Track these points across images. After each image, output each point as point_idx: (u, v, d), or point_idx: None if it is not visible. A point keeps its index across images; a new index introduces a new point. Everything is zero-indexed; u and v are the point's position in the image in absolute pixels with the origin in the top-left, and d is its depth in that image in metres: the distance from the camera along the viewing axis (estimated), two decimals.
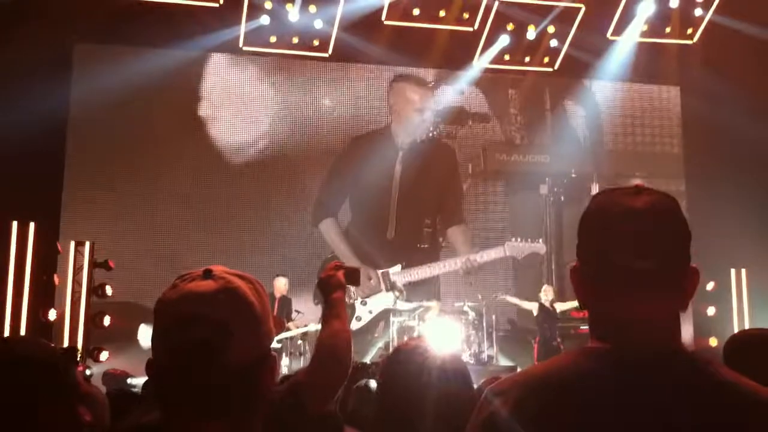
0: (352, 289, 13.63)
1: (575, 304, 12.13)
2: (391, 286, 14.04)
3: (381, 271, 14.12)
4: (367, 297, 14.06)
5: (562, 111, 15.26)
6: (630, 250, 1.49)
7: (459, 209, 15.03)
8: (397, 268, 14.13)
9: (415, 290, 13.87)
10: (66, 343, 10.71)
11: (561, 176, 14.92)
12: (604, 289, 1.53)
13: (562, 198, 14.90)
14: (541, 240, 14.33)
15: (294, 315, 12.12)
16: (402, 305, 13.20)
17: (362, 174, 14.37)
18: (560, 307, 12.42)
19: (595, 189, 15.04)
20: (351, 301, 13.85)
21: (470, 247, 14.60)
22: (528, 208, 14.87)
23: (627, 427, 1.42)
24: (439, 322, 12.12)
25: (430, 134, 14.88)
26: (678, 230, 1.54)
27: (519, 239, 14.04)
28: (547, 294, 12.39)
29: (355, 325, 13.68)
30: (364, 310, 13.97)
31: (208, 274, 1.57)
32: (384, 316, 13.55)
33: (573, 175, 14.96)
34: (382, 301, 13.86)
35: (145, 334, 11.57)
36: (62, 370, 1.91)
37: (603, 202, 1.57)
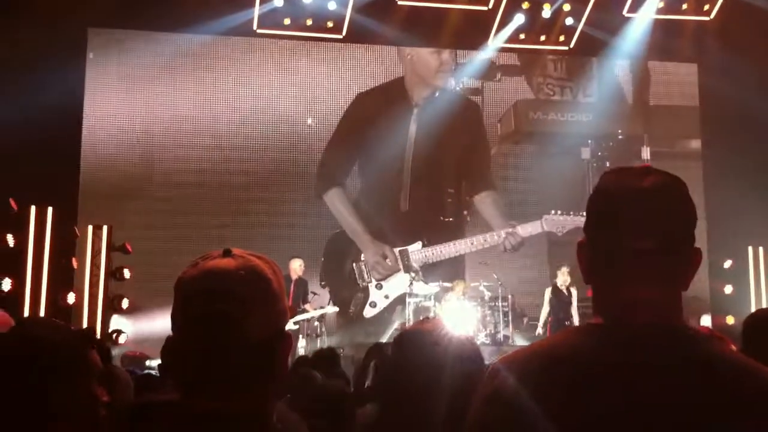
0: (366, 270, 13.01)
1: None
2: (409, 267, 12.71)
3: (399, 249, 12.80)
4: (383, 279, 12.90)
5: (605, 60, 13.59)
6: (633, 229, 1.52)
7: (488, 173, 13.30)
8: (417, 245, 12.72)
9: (437, 271, 12.63)
10: (85, 326, 10.81)
11: (606, 138, 13.47)
12: (606, 267, 1.57)
13: (608, 163, 13.20)
14: (584, 213, 13.04)
15: (310, 297, 12.02)
16: (420, 288, 12.15)
17: (371, 135, 12.86)
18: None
19: (646, 153, 13.71)
20: (365, 284, 12.96)
21: (504, 219, 12.87)
22: (567, 175, 13.10)
23: (618, 402, 1.44)
24: (455, 302, 11.98)
25: (452, 88, 13.29)
26: (682, 211, 1.56)
27: (559, 212, 12.37)
28: (564, 275, 12.12)
29: (369, 312, 12.87)
30: (379, 295, 12.84)
31: (227, 253, 1.61)
32: (403, 300, 12.47)
33: (620, 137, 13.56)
34: (400, 283, 12.65)
35: (163, 317, 11.66)
36: (78, 350, 1.94)
37: (610, 180, 1.60)
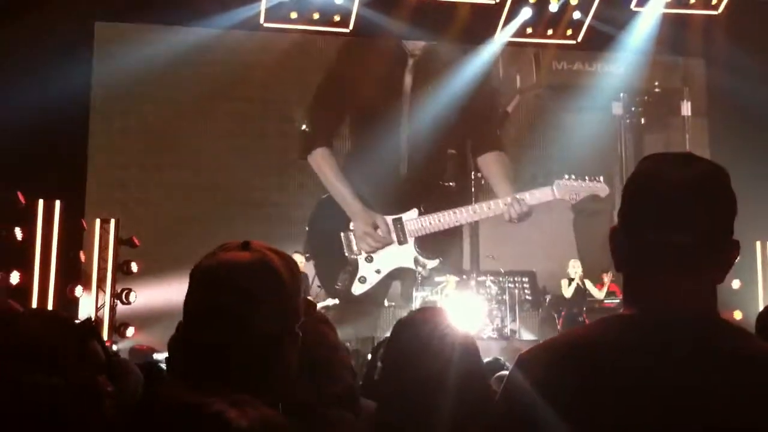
0: (354, 241, 11.76)
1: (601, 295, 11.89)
2: (404, 237, 11.24)
3: (392, 217, 11.46)
4: (374, 252, 11.60)
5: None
6: (670, 222, 1.48)
7: (493, 132, 11.96)
8: (413, 213, 11.38)
9: (438, 244, 11.28)
10: (93, 319, 10.85)
11: (641, 92, 12.29)
12: (640, 257, 1.52)
13: (643, 120, 12.18)
14: (602, 179, 11.08)
15: (316, 290, 11.76)
16: (424, 263, 11.06)
17: (361, 89, 11.60)
18: (593, 291, 11.87)
19: (686, 109, 12.51)
20: (353, 256, 11.64)
21: (510, 183, 11.65)
22: (596, 133, 11.83)
23: (649, 392, 1.42)
24: (461, 296, 11.89)
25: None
26: (723, 204, 1.52)
27: (572, 176, 11.14)
28: (575, 268, 11.79)
29: (358, 288, 11.71)
30: (369, 269, 11.48)
31: (245, 245, 1.61)
32: (397, 276, 11.31)
33: (656, 90, 12.41)
34: (393, 257, 11.39)
35: (170, 310, 11.67)
36: (80, 341, 1.94)
37: (649, 168, 1.55)
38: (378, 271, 11.50)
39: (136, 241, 11.32)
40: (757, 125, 12.54)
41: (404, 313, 9.95)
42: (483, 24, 13.20)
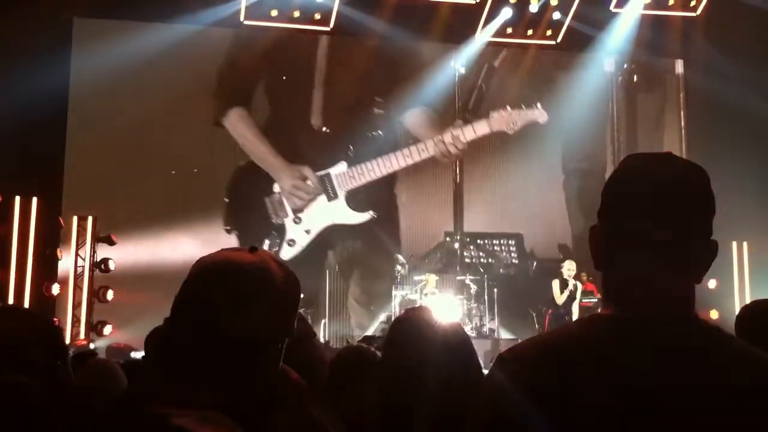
0: (279, 204, 10.99)
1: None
2: (333, 193, 10.44)
3: (320, 172, 10.83)
4: (304, 208, 10.78)
5: None
6: (650, 219, 1.50)
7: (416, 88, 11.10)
8: (342, 166, 10.76)
9: (369, 196, 10.51)
10: (69, 317, 10.79)
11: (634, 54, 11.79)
12: (619, 255, 1.54)
13: (635, 78, 12.10)
14: (539, 105, 10.86)
15: None
16: (348, 216, 10.25)
17: (274, 42, 11.10)
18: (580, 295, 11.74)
19: (679, 67, 12.68)
20: (279, 220, 10.91)
21: (439, 128, 11.11)
22: (585, 91, 11.53)
23: (631, 391, 1.43)
24: (441, 295, 11.91)
25: None
26: (701, 202, 1.54)
27: (507, 107, 10.85)
28: (570, 270, 11.65)
29: (288, 253, 10.97)
30: (298, 231, 10.77)
31: (252, 249, 1.59)
32: (329, 236, 10.45)
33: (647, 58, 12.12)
34: (323, 214, 10.66)
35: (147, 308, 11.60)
36: (51, 339, 1.94)
37: (631, 166, 1.57)
38: (308, 231, 10.76)
39: (114, 238, 11.25)
40: (734, 126, 12.66)
41: (386, 313, 9.73)
42: (464, 24, 13.23)
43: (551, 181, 12.20)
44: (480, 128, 10.73)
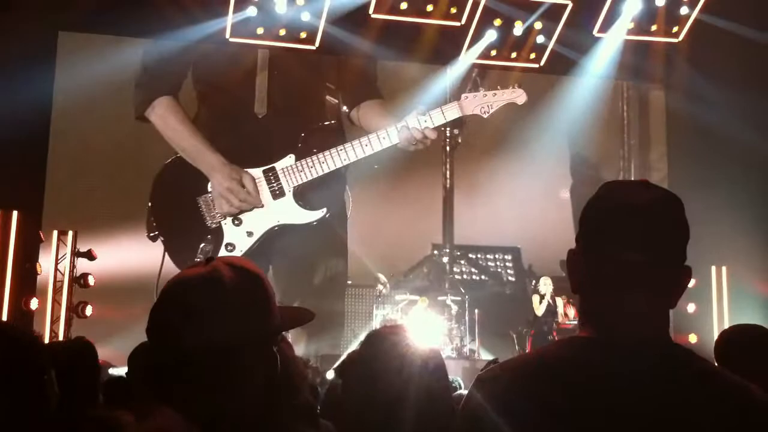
0: (212, 200, 9.86)
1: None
2: (280, 190, 9.30)
3: (263, 168, 9.68)
4: (241, 213, 9.71)
5: None
6: (625, 242, 1.54)
7: (372, 80, 10.44)
8: (289, 159, 9.54)
9: (321, 191, 9.45)
10: (48, 332, 10.69)
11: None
12: (596, 278, 1.58)
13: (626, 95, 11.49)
14: (517, 85, 9.92)
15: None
16: (297, 215, 9.14)
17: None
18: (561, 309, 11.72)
19: (661, 93, 12.76)
20: (214, 223, 9.76)
21: (397, 118, 9.83)
22: (596, 95, 11.20)
23: (611, 414, 1.44)
24: (422, 314, 11.89)
25: None
26: (676, 229, 1.58)
27: (481, 89, 9.97)
28: (546, 286, 11.60)
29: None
30: (238, 234, 9.64)
31: (208, 261, 1.60)
32: (276, 238, 9.31)
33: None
34: (268, 214, 9.51)
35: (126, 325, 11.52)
36: (30, 352, 1.94)
37: (608, 192, 1.61)
38: (250, 234, 9.57)
39: (93, 254, 11.18)
40: (715, 152, 12.77)
41: (364, 332, 9.74)
42: (450, 45, 13.31)
43: (554, 189, 11.62)
44: (450, 112, 9.52)
